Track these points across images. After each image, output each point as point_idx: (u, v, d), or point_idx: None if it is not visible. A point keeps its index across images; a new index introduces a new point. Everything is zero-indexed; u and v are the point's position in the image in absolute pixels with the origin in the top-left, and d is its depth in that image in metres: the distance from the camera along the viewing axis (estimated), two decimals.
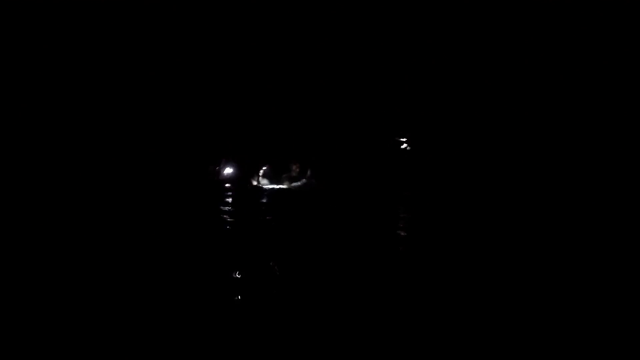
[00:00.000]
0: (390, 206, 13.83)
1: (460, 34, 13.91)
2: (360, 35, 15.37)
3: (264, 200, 15.15)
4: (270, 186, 18.16)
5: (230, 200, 14.53)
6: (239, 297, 4.83)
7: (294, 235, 8.89)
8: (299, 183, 18.49)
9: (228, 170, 18.65)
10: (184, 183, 14.41)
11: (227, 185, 18.29)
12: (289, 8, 13.80)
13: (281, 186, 18.28)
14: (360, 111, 16.57)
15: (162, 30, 10.76)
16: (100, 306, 4.29)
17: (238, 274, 5.70)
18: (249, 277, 5.75)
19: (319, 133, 16.97)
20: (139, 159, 11.03)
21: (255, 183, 18.01)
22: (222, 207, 12.48)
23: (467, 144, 14.82)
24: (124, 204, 10.58)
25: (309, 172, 18.25)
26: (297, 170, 18.37)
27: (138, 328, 3.83)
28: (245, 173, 18.05)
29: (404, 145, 16.22)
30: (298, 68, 15.74)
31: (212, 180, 17.86)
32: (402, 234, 9.72)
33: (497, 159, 14.06)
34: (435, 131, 15.54)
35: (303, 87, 16.36)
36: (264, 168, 18.68)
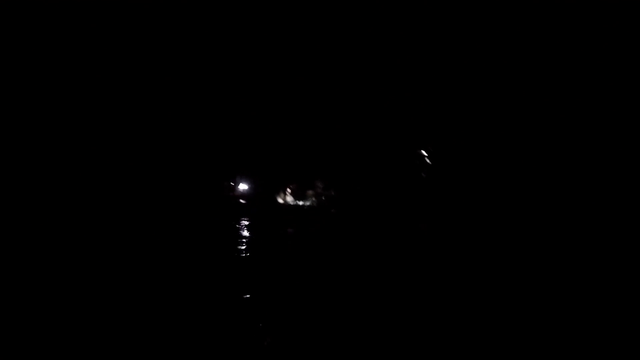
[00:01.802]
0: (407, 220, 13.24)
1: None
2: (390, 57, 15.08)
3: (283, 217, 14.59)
4: (294, 203, 17.66)
5: (246, 216, 13.98)
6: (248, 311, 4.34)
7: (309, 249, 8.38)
8: (315, 200, 17.96)
9: (244, 186, 18.18)
10: (199, 197, 13.93)
11: (242, 201, 17.83)
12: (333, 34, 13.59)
13: (303, 203, 17.74)
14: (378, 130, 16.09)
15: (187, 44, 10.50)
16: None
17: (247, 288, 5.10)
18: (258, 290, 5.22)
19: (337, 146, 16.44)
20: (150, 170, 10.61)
21: (280, 200, 17.51)
22: (238, 224, 11.97)
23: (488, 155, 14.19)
24: (134, 219, 10.13)
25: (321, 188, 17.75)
26: (321, 187, 17.86)
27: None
28: (265, 189, 17.54)
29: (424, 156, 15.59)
30: (321, 83, 15.36)
31: (227, 196, 17.39)
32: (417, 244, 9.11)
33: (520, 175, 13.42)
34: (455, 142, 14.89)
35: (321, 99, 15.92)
36: (288, 186, 18.18)
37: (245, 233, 10.76)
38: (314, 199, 18.28)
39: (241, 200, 17.53)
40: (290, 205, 17.92)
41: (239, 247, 8.77)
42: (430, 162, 15.20)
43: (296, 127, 16.90)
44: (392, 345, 3.65)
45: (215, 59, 12.55)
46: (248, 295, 5.17)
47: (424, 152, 15.68)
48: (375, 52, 14.91)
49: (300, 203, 18.18)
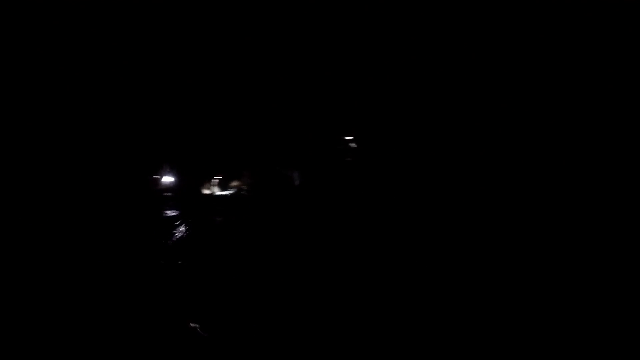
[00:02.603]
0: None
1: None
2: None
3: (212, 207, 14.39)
4: (220, 193, 17.37)
5: (172, 208, 13.61)
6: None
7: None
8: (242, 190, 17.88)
9: (168, 179, 17.51)
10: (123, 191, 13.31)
11: (167, 194, 17.21)
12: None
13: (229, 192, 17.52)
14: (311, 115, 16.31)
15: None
16: None
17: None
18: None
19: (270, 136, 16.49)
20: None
21: (206, 191, 17.12)
22: (164, 217, 11.65)
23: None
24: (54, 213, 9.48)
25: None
26: (247, 177, 17.76)
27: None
28: (191, 181, 17.07)
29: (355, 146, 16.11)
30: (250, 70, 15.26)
31: (151, 190, 16.67)
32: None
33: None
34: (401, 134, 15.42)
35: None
36: (214, 177, 17.80)
37: (173, 225, 10.52)
38: (240, 188, 18.16)
39: (166, 193, 16.91)
40: (217, 195, 17.66)
41: (168, 240, 8.59)
42: (355, 146, 15.76)
43: (218, 118, 16.72)
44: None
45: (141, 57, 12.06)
46: (178, 287, 5.13)
47: (348, 138, 16.23)
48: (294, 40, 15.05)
49: (227, 193, 17.98)
